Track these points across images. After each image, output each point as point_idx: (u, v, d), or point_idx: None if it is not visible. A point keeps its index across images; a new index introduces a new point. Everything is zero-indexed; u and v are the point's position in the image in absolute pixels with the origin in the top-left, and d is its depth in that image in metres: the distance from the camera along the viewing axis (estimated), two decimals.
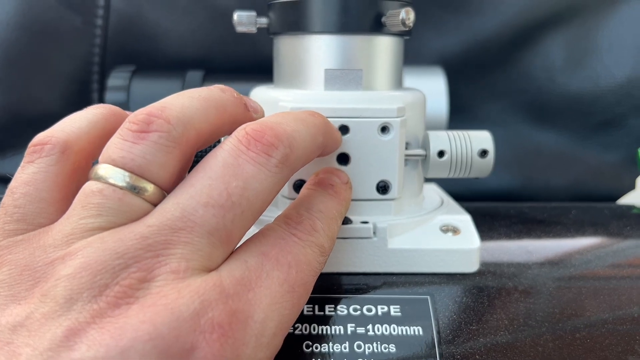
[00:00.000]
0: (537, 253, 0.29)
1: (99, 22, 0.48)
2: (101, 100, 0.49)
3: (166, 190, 0.21)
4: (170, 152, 0.21)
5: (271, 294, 0.20)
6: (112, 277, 0.18)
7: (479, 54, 0.50)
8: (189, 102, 0.22)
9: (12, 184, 0.22)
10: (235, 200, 0.20)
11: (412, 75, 0.46)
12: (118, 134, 0.21)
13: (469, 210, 0.33)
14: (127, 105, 0.45)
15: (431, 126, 0.44)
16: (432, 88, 0.45)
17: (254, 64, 0.48)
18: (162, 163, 0.20)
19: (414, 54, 0.50)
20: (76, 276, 0.18)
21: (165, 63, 0.49)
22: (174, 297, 0.18)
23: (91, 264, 0.18)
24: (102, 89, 0.49)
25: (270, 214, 0.28)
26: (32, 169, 0.22)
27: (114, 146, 0.21)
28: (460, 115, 0.51)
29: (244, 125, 0.22)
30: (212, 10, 0.48)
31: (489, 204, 0.36)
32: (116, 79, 0.46)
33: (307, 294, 0.22)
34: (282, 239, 0.22)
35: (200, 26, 0.48)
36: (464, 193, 0.51)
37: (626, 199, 0.42)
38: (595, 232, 0.31)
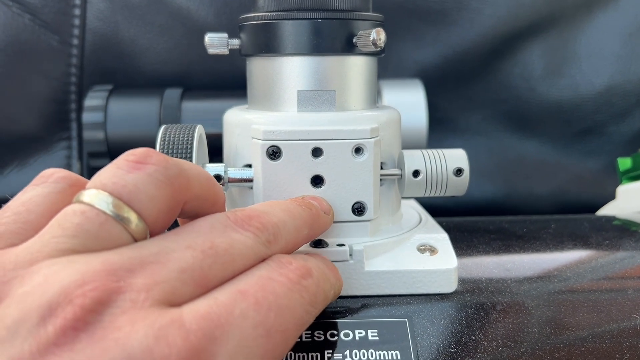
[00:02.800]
0: (516, 270, 0.29)
1: (75, 41, 0.48)
2: (79, 120, 0.48)
3: (150, 228, 0.20)
4: (162, 188, 0.20)
5: (241, 335, 0.18)
6: (66, 297, 0.17)
7: (459, 65, 0.50)
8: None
9: (9, 203, 0.22)
10: (218, 251, 0.20)
11: (391, 89, 0.45)
12: (113, 164, 0.21)
13: (448, 226, 0.33)
14: (104, 124, 0.44)
15: (411, 139, 0.44)
16: (412, 101, 0.45)
17: (232, 81, 0.48)
18: (152, 195, 0.20)
19: (393, 67, 0.50)
20: (29, 296, 0.17)
21: (143, 81, 0.49)
22: (127, 330, 0.17)
23: (49, 282, 0.17)
24: (80, 108, 0.48)
25: None
26: (33, 192, 0.22)
27: (106, 172, 0.20)
28: (442, 126, 0.51)
29: (232, 210, 0.22)
30: (189, 27, 0.48)
31: (469, 219, 0.35)
32: (93, 98, 0.45)
33: (286, 344, 0.20)
34: (268, 278, 0.20)
35: (177, 44, 0.48)
36: (447, 204, 0.51)
37: (606, 210, 0.42)
38: (574, 247, 0.31)
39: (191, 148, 0.26)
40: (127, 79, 0.49)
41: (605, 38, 0.50)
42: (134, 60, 0.48)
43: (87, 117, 0.45)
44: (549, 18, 0.50)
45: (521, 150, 0.52)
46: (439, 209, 0.50)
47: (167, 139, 0.27)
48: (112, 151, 0.45)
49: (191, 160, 0.26)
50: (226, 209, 0.31)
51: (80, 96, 0.48)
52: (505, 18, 0.49)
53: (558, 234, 0.32)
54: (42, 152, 0.48)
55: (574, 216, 0.37)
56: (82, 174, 0.49)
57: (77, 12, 0.47)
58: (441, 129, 0.51)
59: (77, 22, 0.47)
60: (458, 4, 0.49)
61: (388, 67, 0.50)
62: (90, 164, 0.46)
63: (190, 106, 0.46)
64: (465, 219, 0.35)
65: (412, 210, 0.33)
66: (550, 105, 0.51)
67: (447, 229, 0.32)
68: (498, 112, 0.51)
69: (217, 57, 0.49)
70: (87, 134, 0.44)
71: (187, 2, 0.47)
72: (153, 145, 0.26)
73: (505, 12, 0.49)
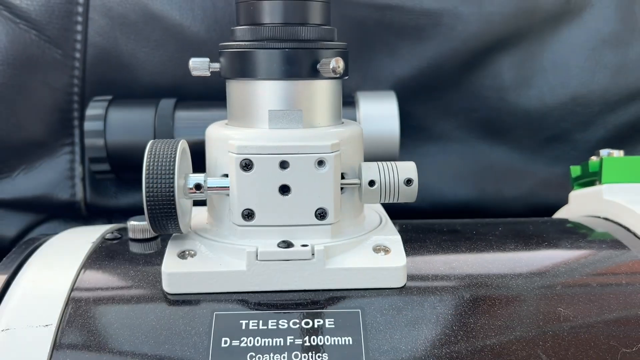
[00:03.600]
0: (460, 268, 0.33)
1: (78, 55, 0.52)
2: (81, 128, 0.52)
3: None
4: None
5: None
6: None
7: (433, 76, 0.54)
8: None
9: None
10: None
11: (366, 100, 0.49)
12: None
13: (407, 228, 0.37)
14: (104, 132, 0.49)
15: (384, 146, 0.48)
16: (386, 112, 0.49)
17: (223, 92, 0.52)
18: None
19: (371, 79, 0.54)
20: None
21: (140, 92, 0.53)
22: None
23: None
24: (82, 117, 0.52)
25: (225, 240, 0.32)
26: None
27: None
28: (417, 134, 0.55)
29: None
30: (182, 42, 0.52)
31: (427, 221, 0.39)
32: (93, 108, 0.49)
33: None
34: None
35: (172, 57, 0.52)
36: (422, 205, 0.55)
37: (560, 214, 0.46)
38: (515, 248, 0.35)
39: (174, 161, 0.30)
40: (126, 90, 0.53)
41: (570, 52, 0.54)
42: (132, 73, 0.52)
43: (88, 125, 0.49)
44: (518, 33, 0.54)
45: (492, 156, 0.56)
46: (414, 211, 0.55)
47: (153, 153, 0.31)
48: (111, 157, 0.49)
49: (173, 172, 0.30)
50: (207, 213, 0.35)
51: (83, 105, 0.52)
52: (477, 33, 0.53)
53: (503, 235, 0.36)
54: (47, 157, 0.53)
55: (526, 219, 0.40)
56: (84, 178, 0.53)
57: (79, 28, 0.51)
58: (416, 137, 0.55)
59: (79, 37, 0.51)
60: (432, 20, 0.52)
61: (366, 78, 0.54)
62: (91, 168, 0.51)
63: (183, 115, 0.50)
64: (425, 221, 0.39)
65: (375, 213, 0.37)
66: (518, 114, 0.55)
67: (406, 230, 0.36)
68: (470, 121, 0.55)
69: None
70: (88, 141, 0.49)
71: (181, 19, 0.51)
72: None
73: (477, 27, 0.53)
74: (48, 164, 0.53)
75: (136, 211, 0.39)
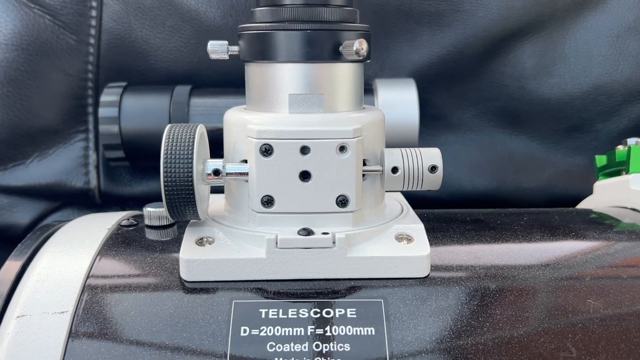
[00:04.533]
0: (484, 258, 0.32)
1: (92, 41, 0.51)
2: (95, 115, 0.52)
3: None
4: None
5: None
6: None
7: (452, 64, 0.53)
8: None
9: None
10: None
11: (386, 88, 0.48)
12: None
13: (429, 217, 0.36)
14: (118, 119, 0.48)
15: (404, 135, 0.47)
16: (405, 99, 0.48)
17: (239, 78, 0.51)
18: None
19: (390, 66, 0.53)
20: None
21: (155, 78, 0.52)
22: None
23: None
24: (96, 103, 0.52)
25: (244, 227, 0.31)
26: None
27: None
28: (436, 123, 0.54)
29: None
30: (197, 28, 0.51)
31: (449, 211, 0.38)
32: (108, 95, 0.49)
33: None
34: None
35: (187, 43, 0.51)
36: (439, 195, 0.54)
37: (584, 204, 0.45)
38: (541, 238, 0.34)
39: (192, 145, 0.30)
40: (140, 76, 0.52)
41: (593, 39, 0.53)
42: (146, 59, 0.52)
43: (102, 112, 0.48)
44: (539, 20, 0.52)
45: (511, 146, 0.55)
46: (433, 200, 0.54)
47: (171, 137, 0.30)
48: (126, 144, 0.48)
49: (192, 156, 0.29)
50: (224, 201, 0.34)
51: (97, 92, 0.52)
52: (497, 20, 0.52)
53: (528, 225, 0.35)
54: (61, 144, 0.52)
55: (549, 209, 0.39)
56: (97, 165, 0.53)
57: (93, 13, 0.51)
58: (435, 126, 0.54)
59: (93, 22, 0.51)
60: (452, 7, 0.51)
61: (384, 66, 0.53)
62: (105, 155, 0.50)
63: (198, 102, 0.49)
64: (446, 211, 0.38)
65: (396, 202, 0.36)
66: (539, 103, 0.54)
67: (428, 219, 0.35)
68: (489, 110, 0.54)
69: None
70: (103, 128, 0.48)
71: (196, 5, 0.51)
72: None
73: (497, 14, 0.52)
74: (62, 151, 0.52)
75: (150, 199, 0.38)
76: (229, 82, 0.52)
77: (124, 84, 0.50)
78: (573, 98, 0.53)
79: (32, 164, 0.52)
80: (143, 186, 0.54)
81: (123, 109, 0.48)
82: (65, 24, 0.50)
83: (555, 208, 0.40)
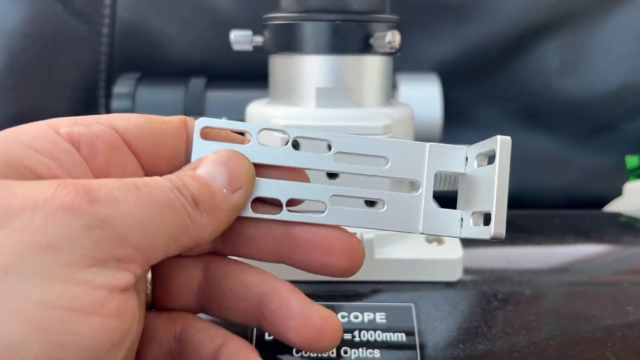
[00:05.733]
0: (518, 262, 0.30)
1: (105, 30, 0.50)
2: (108, 107, 0.50)
3: None
4: None
5: None
6: None
7: (475, 60, 0.51)
8: None
9: None
10: None
11: (407, 83, 0.47)
12: None
13: None
14: (132, 112, 0.47)
15: (426, 132, 0.46)
16: (427, 95, 0.46)
17: (256, 71, 0.50)
18: None
19: (411, 61, 0.51)
20: None
21: (169, 70, 0.51)
22: None
23: None
24: (108, 95, 0.51)
25: None
26: None
27: None
28: (457, 120, 0.53)
29: None
30: (213, 18, 0.50)
31: None
32: (122, 86, 0.47)
33: None
34: None
35: (202, 34, 0.50)
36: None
37: (613, 206, 0.44)
38: (575, 241, 0.33)
39: None
40: (153, 67, 0.51)
41: (620, 37, 0.51)
42: (160, 50, 0.50)
43: (116, 104, 0.47)
44: (565, 16, 0.51)
45: (534, 145, 0.53)
46: (451, 200, 0.52)
47: None
48: None
49: None
50: None
51: (109, 83, 0.50)
52: (522, 15, 0.50)
53: (561, 229, 0.34)
54: None
55: (579, 211, 0.38)
56: None
57: (107, 2, 0.49)
58: (456, 123, 0.52)
59: (107, 12, 0.49)
60: (475, 1, 0.50)
61: (405, 61, 0.51)
62: None
63: (214, 95, 0.48)
64: None
65: None
66: (564, 101, 0.52)
67: None
68: (512, 108, 0.53)
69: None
70: None
71: None
72: None
73: (522, 9, 0.50)
74: None
75: None
76: (244, 74, 0.50)
77: (137, 75, 0.48)
78: (599, 97, 0.52)
79: None
80: None
81: (137, 101, 0.47)
82: (77, 13, 0.49)
83: (583, 210, 0.39)
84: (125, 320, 0.17)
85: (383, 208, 0.25)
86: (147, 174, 0.22)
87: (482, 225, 0.23)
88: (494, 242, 0.32)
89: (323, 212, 0.23)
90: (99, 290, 0.17)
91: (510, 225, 0.35)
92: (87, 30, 0.49)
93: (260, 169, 0.23)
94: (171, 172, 0.21)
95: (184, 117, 0.24)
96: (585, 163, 0.53)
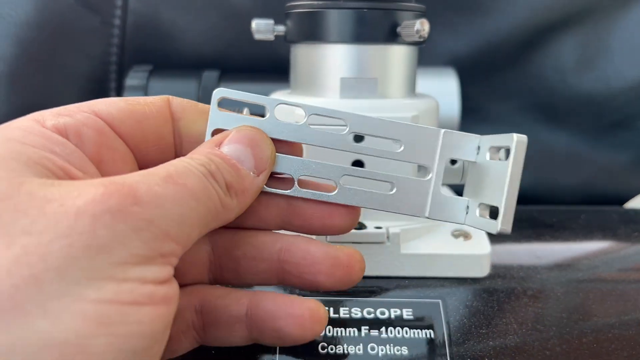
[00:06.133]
0: (546, 258, 0.30)
1: (117, 22, 0.49)
2: None
3: None
4: None
5: None
6: None
7: (491, 55, 0.51)
8: None
9: None
10: None
11: (424, 77, 0.46)
12: None
13: None
14: None
15: (444, 126, 0.45)
16: (445, 89, 0.46)
17: (269, 64, 0.49)
18: None
19: (427, 55, 0.50)
20: None
21: (181, 62, 0.50)
22: None
23: None
24: (119, 87, 0.50)
25: None
26: None
27: None
28: (473, 115, 0.52)
29: None
30: (227, 10, 0.49)
31: None
32: (134, 78, 0.46)
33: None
34: None
35: (215, 26, 0.49)
36: None
37: (634, 203, 0.43)
38: (603, 237, 0.32)
39: None
40: (165, 60, 0.50)
41: (638, 32, 0.50)
42: (172, 42, 0.49)
43: (128, 96, 0.46)
44: (583, 10, 0.50)
45: (550, 141, 0.53)
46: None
47: None
48: None
49: None
50: None
51: (120, 75, 0.49)
52: (539, 9, 0.49)
53: (587, 224, 0.33)
54: None
55: (602, 207, 0.37)
56: None
57: None
58: (472, 118, 0.52)
59: (119, 3, 0.48)
60: None
61: (422, 55, 0.50)
62: None
63: (228, 88, 0.47)
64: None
65: None
66: (581, 97, 0.51)
67: None
68: (529, 103, 0.52)
69: (255, 41, 0.50)
70: None
71: None
72: None
73: (539, 3, 0.49)
74: None
75: None
76: (257, 67, 0.49)
77: (149, 67, 0.47)
78: (617, 93, 0.51)
79: None
80: None
81: (149, 94, 0.46)
82: (88, 4, 0.48)
83: (607, 206, 0.38)
84: (172, 305, 0.19)
85: (392, 190, 0.24)
86: (135, 155, 0.22)
87: (487, 217, 0.23)
88: (519, 237, 0.32)
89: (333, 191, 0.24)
90: (149, 284, 0.18)
91: (535, 220, 0.34)
92: (98, 21, 0.49)
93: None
94: (159, 151, 0.22)
95: (167, 96, 0.24)
96: (602, 159, 0.52)
